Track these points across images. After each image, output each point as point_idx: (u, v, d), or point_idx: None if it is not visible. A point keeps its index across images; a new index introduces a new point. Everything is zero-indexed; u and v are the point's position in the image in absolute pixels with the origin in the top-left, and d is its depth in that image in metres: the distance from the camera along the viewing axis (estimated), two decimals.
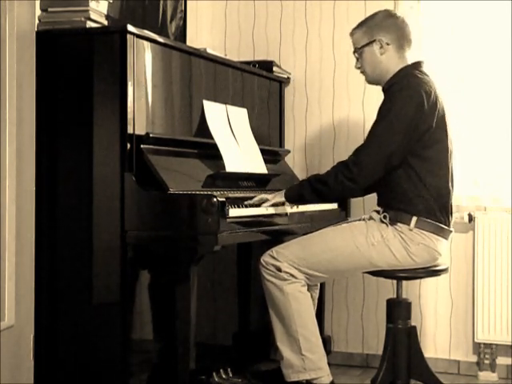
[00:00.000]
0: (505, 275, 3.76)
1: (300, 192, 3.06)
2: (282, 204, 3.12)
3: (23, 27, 2.77)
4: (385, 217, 3.05)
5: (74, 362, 2.93)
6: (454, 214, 3.71)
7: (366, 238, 3.04)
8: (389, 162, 2.98)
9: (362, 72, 3.23)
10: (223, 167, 3.20)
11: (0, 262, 2.64)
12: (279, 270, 3.04)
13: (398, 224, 3.03)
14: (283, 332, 3.07)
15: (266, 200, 3.06)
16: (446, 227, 3.08)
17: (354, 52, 3.20)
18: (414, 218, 3.01)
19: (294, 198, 3.09)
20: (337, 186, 2.99)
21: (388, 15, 3.18)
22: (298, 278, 3.05)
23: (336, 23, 4.04)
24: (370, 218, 3.10)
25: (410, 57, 3.18)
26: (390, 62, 3.13)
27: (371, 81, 3.23)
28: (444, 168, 3.09)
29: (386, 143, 2.96)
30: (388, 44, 3.12)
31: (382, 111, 3.03)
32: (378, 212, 3.10)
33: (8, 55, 2.67)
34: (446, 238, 3.11)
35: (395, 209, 3.04)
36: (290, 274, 3.04)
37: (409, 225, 3.02)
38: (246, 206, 2.99)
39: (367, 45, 3.14)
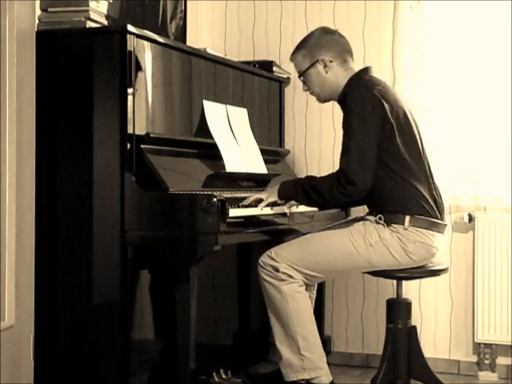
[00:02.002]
0: (505, 275, 3.76)
1: (293, 196, 3.06)
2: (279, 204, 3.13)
3: (23, 27, 2.77)
4: (380, 218, 3.05)
5: (73, 362, 2.93)
6: (453, 214, 3.71)
7: (364, 238, 3.04)
8: (374, 167, 2.99)
9: (311, 93, 3.25)
10: (223, 167, 3.20)
11: (0, 262, 2.64)
12: (277, 270, 3.04)
13: (393, 225, 3.03)
14: (282, 332, 3.07)
15: (261, 200, 3.07)
16: (439, 221, 3.09)
17: (299, 76, 3.22)
18: (408, 217, 3.02)
19: (287, 199, 3.10)
20: (331, 200, 3.01)
21: (324, 32, 3.20)
22: (296, 278, 3.05)
23: (336, 23, 4.03)
24: (367, 220, 3.11)
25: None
26: (337, 77, 3.15)
27: (323, 100, 3.26)
28: (422, 164, 3.11)
29: (365, 151, 2.96)
30: (331, 61, 3.14)
31: (348, 125, 3.01)
32: (371, 214, 3.11)
33: (8, 55, 2.67)
34: (442, 233, 3.12)
35: (388, 212, 3.04)
36: (288, 275, 3.04)
37: (403, 224, 3.02)
38: (242, 207, 2.99)
39: (311, 67, 3.15)
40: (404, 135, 3.05)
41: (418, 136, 3.14)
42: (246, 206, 3.01)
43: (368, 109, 2.98)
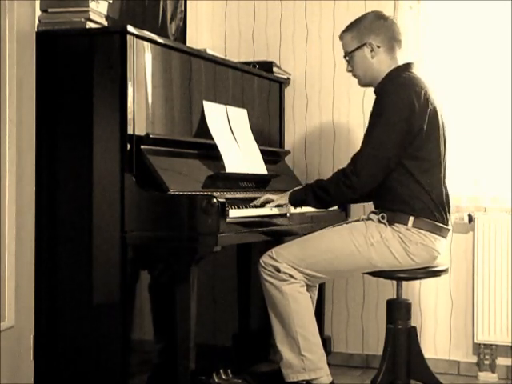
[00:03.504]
0: (505, 275, 3.76)
1: (303, 198, 3.09)
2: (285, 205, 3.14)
3: (23, 27, 2.77)
4: (383, 217, 3.05)
5: (73, 362, 2.93)
6: (453, 215, 3.71)
7: (366, 238, 3.04)
8: (387, 167, 3.00)
9: (353, 75, 3.24)
10: (223, 168, 3.20)
11: (0, 262, 2.64)
12: (278, 270, 3.04)
13: (396, 224, 3.03)
14: (283, 332, 3.07)
15: (271, 200, 3.08)
16: (443, 226, 3.09)
17: (345, 56, 3.21)
18: (412, 218, 3.02)
19: (297, 202, 3.12)
20: (338, 195, 3.03)
21: (377, 17, 3.18)
22: (297, 278, 3.05)
23: (336, 23, 4.04)
24: (369, 219, 3.11)
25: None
26: (381, 64, 3.14)
27: (364, 84, 3.25)
28: (437, 167, 3.10)
29: (382, 150, 2.97)
30: (378, 47, 3.13)
31: (374, 117, 3.03)
32: (375, 213, 3.11)
33: (8, 55, 2.67)
34: (445, 237, 3.11)
35: (392, 210, 3.05)
36: (289, 275, 3.04)
37: (406, 225, 3.02)
38: (251, 207, 3.00)
39: (358, 49, 3.15)
40: (429, 137, 3.04)
41: (442, 140, 3.13)
42: (256, 206, 3.03)
43: (398, 108, 2.98)
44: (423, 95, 3.04)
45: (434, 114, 3.08)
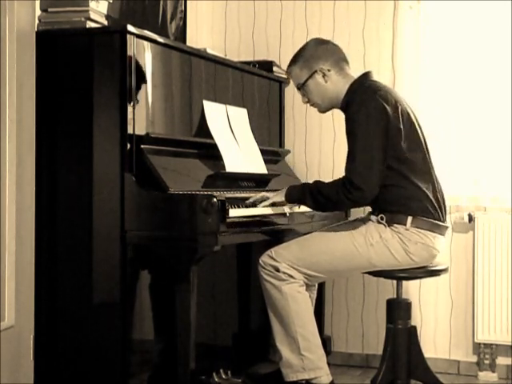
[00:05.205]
0: (505, 275, 3.76)
1: (300, 198, 3.06)
2: (282, 204, 3.13)
3: (23, 27, 2.77)
4: (382, 218, 3.05)
5: (73, 362, 2.93)
6: (453, 215, 3.71)
7: (365, 238, 3.04)
8: (382, 171, 2.99)
9: (312, 105, 3.25)
10: (223, 167, 3.20)
11: (0, 262, 2.64)
12: (277, 270, 3.04)
13: (395, 225, 3.03)
14: (282, 332, 3.07)
15: (267, 198, 3.07)
16: (441, 223, 3.10)
17: (298, 88, 3.22)
18: (410, 218, 3.02)
19: (294, 201, 3.11)
20: (338, 204, 3.01)
21: (319, 43, 3.22)
22: (297, 278, 3.05)
23: (336, 23, 4.04)
24: (368, 220, 3.11)
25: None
26: (336, 85, 3.15)
27: (325, 109, 3.26)
28: (426, 166, 3.12)
29: (372, 157, 2.95)
30: (329, 70, 3.14)
31: (352, 131, 3.01)
32: (373, 214, 3.11)
33: (8, 55, 2.67)
34: (443, 235, 3.12)
35: (390, 211, 3.05)
36: (289, 275, 3.04)
37: (405, 225, 3.02)
38: (247, 206, 2.99)
39: (309, 78, 3.15)
40: (408, 137, 3.05)
41: (422, 138, 3.14)
42: (252, 204, 3.01)
43: (371, 114, 2.98)
44: (389, 97, 3.05)
45: (407, 115, 3.09)
